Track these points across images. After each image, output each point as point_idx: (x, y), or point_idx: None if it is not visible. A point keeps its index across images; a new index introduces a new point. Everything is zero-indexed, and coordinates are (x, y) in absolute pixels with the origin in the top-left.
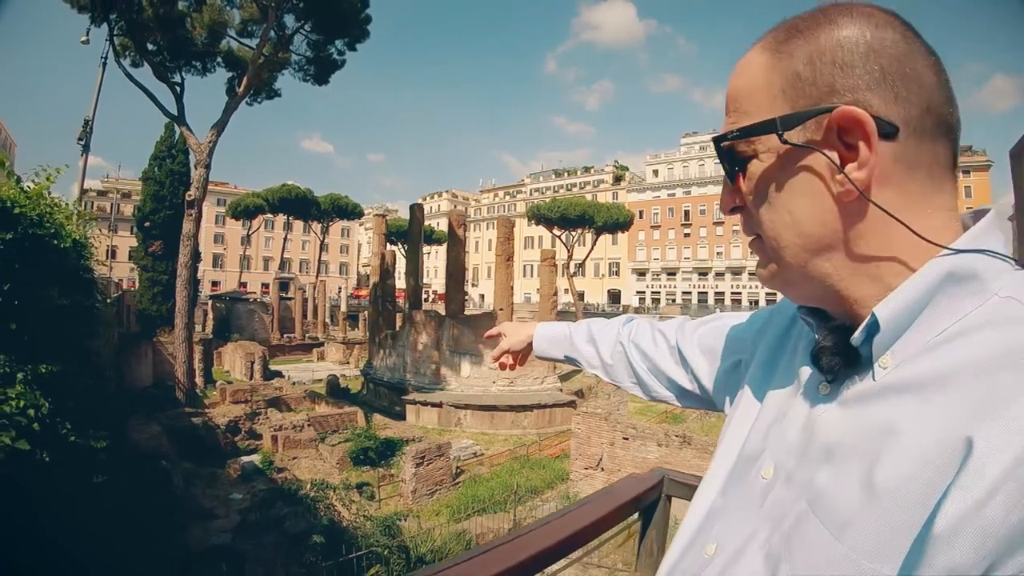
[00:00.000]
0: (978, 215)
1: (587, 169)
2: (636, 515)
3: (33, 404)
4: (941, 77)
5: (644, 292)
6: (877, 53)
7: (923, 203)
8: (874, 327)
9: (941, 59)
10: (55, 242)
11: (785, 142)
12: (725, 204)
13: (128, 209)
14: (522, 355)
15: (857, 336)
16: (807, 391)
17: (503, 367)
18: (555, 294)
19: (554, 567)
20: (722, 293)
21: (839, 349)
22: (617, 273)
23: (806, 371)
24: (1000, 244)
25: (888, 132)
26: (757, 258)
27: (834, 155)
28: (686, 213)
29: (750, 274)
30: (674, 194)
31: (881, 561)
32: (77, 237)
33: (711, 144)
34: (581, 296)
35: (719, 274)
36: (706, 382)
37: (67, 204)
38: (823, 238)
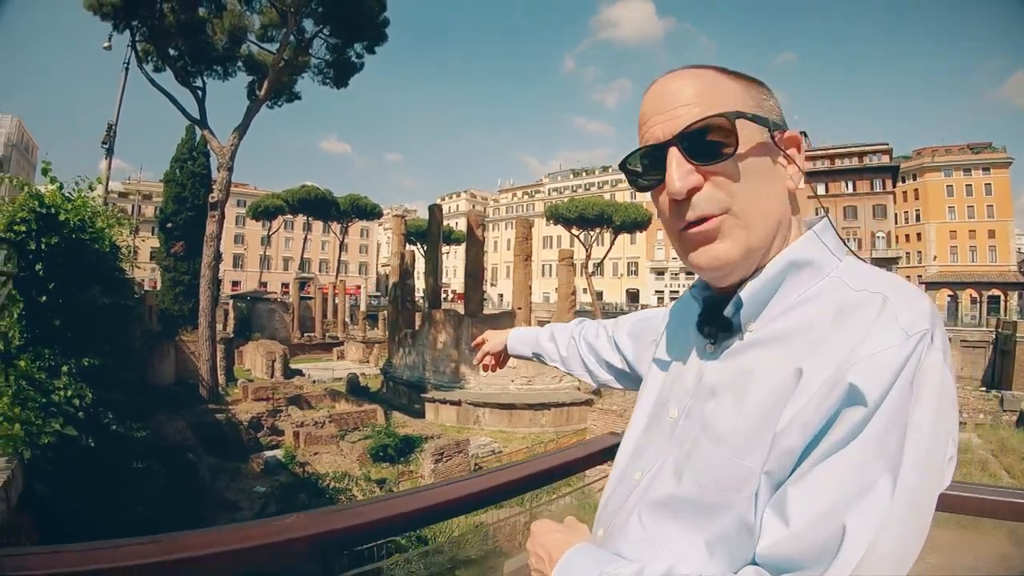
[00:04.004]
0: (815, 221)
1: (605, 168)
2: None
3: (79, 394)
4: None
5: (663, 291)
6: (778, 108)
7: None
8: (739, 303)
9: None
10: (95, 246)
11: (772, 139)
12: (685, 183)
13: (149, 211)
14: (502, 358)
15: (729, 310)
16: (698, 351)
17: (486, 368)
18: (573, 293)
19: (546, 498)
20: None
21: (718, 320)
22: (636, 272)
23: (697, 337)
24: (831, 241)
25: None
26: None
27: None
28: None
29: None
30: None
31: (748, 457)
32: (117, 242)
33: None
34: (600, 296)
35: None
36: (632, 360)
37: (108, 210)
38: (781, 217)
